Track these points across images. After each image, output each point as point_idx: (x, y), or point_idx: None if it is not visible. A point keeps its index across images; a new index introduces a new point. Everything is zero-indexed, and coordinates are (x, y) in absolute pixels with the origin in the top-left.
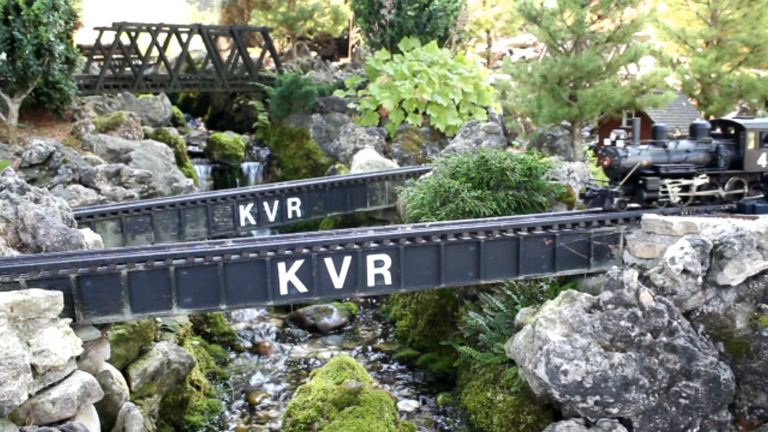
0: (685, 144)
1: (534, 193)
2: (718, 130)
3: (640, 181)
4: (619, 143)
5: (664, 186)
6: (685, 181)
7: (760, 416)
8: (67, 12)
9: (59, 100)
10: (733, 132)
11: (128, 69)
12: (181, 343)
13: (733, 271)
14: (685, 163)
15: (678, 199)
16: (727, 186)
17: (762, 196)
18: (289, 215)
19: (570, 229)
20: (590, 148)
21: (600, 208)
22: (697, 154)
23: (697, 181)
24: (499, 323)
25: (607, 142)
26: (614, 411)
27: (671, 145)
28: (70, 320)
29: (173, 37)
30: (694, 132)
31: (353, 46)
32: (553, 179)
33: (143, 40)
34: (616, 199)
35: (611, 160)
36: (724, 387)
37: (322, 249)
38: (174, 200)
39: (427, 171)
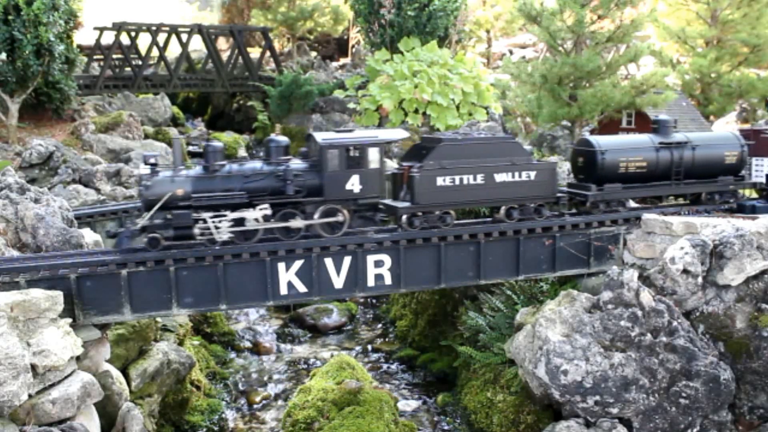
0: (246, 167)
1: None
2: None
3: (169, 216)
4: (143, 170)
5: (206, 220)
6: (235, 214)
7: (760, 416)
8: (67, 12)
9: (59, 100)
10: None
11: (128, 69)
12: (181, 343)
13: (733, 271)
14: (238, 192)
15: (227, 235)
16: (317, 215)
17: (395, 226)
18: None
19: (570, 229)
20: None
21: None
22: (260, 179)
23: (254, 214)
24: (499, 323)
25: (144, 170)
26: (614, 411)
27: (225, 169)
28: (70, 320)
29: (173, 37)
30: (267, 151)
31: (353, 46)
32: None
33: (143, 40)
34: (149, 237)
35: (139, 190)
36: (724, 387)
37: (322, 249)
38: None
39: None
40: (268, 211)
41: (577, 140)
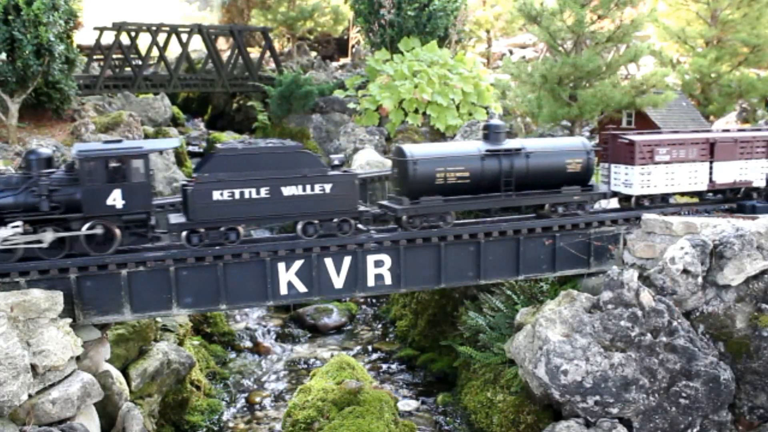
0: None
1: None
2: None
3: None
4: None
5: None
6: None
7: (760, 416)
8: (67, 12)
9: (59, 100)
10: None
11: (128, 69)
12: (181, 343)
13: (733, 271)
14: None
15: None
16: (84, 234)
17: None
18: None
19: (570, 229)
20: None
21: None
22: (11, 195)
23: (3, 233)
24: (499, 323)
25: None
26: (614, 411)
27: None
28: (70, 320)
29: (173, 37)
30: (28, 164)
31: (353, 46)
32: None
33: (143, 40)
34: None
35: None
36: (724, 387)
37: (321, 249)
38: (174, 200)
39: None
40: (20, 230)
41: (393, 149)
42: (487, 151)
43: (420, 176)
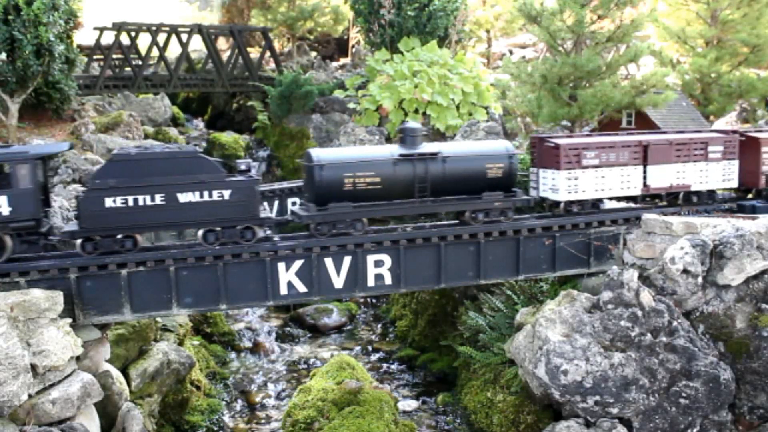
0: None
1: None
2: None
3: None
4: None
5: None
6: None
7: (760, 416)
8: (67, 12)
9: (59, 100)
10: None
11: (128, 69)
12: (181, 343)
13: (733, 271)
14: None
15: None
16: None
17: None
18: (289, 215)
19: (570, 229)
20: None
21: None
22: None
23: None
24: (499, 323)
25: None
26: (614, 411)
27: None
28: (70, 320)
29: (173, 37)
30: None
31: (353, 46)
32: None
33: (143, 40)
34: None
35: None
36: (724, 387)
37: (322, 249)
38: None
39: None
40: None
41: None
42: (400, 155)
43: (327, 182)
